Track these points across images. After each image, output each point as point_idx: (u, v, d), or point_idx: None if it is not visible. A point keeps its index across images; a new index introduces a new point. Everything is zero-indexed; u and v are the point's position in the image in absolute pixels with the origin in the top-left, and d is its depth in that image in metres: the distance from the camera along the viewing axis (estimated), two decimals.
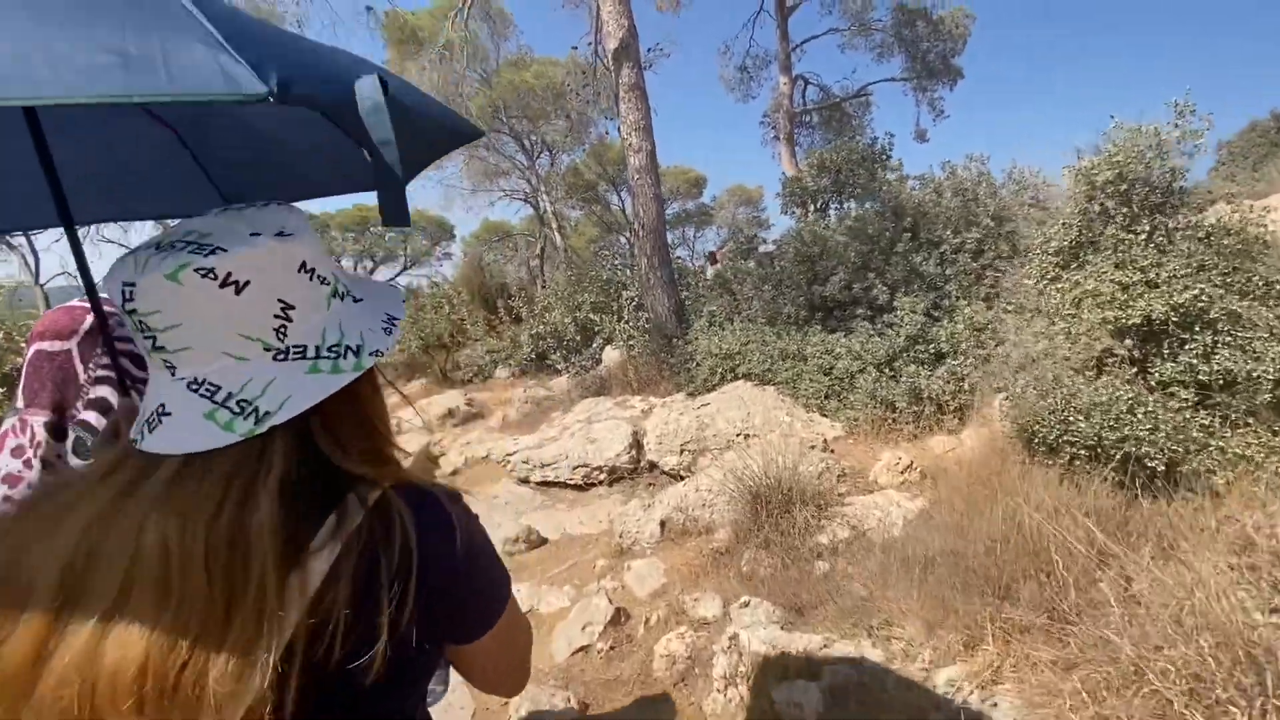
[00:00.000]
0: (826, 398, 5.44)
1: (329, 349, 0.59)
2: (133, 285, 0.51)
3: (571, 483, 5.30)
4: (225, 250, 0.52)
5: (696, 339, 6.46)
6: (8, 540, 0.49)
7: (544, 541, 4.52)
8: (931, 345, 5.42)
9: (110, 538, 0.47)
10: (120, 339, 1.00)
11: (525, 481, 5.58)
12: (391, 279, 34.19)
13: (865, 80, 18.49)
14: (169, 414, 0.53)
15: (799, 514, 3.62)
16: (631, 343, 7.97)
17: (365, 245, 33.60)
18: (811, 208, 12.02)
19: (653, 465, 5.32)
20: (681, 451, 5.15)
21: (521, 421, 8.24)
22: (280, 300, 0.56)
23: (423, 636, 0.63)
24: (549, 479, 5.41)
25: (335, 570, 0.55)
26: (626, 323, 8.44)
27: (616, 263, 9.85)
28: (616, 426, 5.56)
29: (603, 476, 5.27)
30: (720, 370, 5.82)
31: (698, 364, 6.06)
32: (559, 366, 9.75)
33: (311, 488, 0.58)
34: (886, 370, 5.37)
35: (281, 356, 0.56)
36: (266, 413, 0.53)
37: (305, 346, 0.58)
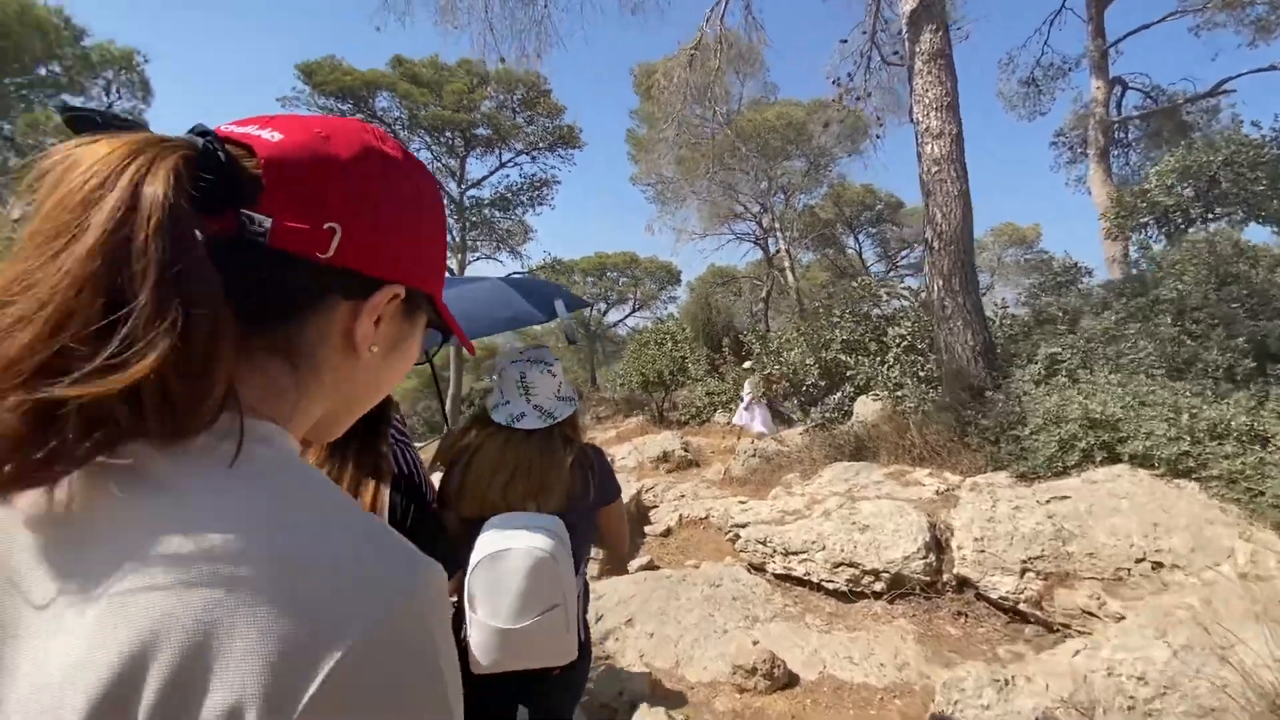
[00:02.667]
0: None
1: (564, 397, 1.53)
2: (524, 373, 1.48)
3: (830, 586, 3.63)
4: (553, 364, 1.53)
5: (1028, 393, 4.34)
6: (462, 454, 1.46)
7: (793, 681, 2.92)
8: None
9: (508, 454, 1.42)
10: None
11: (759, 569, 4.04)
12: (621, 320, 35.90)
13: (1220, 74, 13.84)
14: (524, 415, 1.44)
15: None
16: (901, 394, 6.04)
17: (601, 289, 36.01)
18: (1158, 230, 8.75)
19: (963, 583, 3.39)
20: (1024, 572, 3.15)
21: (747, 478, 6.75)
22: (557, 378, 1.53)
23: (595, 497, 1.50)
24: (794, 573, 3.80)
25: (573, 467, 1.45)
26: (892, 367, 6.51)
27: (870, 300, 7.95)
28: (900, 513, 3.75)
29: (879, 586, 3.50)
30: (1081, 445, 3.66)
31: (1033, 432, 3.97)
32: (792, 416, 8.09)
33: (565, 441, 1.48)
34: None
35: (559, 397, 1.52)
36: (554, 416, 1.47)
37: (562, 396, 1.53)
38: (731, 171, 21.51)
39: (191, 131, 0.38)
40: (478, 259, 21.75)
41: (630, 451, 9.94)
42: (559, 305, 1.83)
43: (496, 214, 20.96)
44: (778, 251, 25.79)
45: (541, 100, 19.70)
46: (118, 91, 12.02)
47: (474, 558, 1.24)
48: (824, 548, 3.72)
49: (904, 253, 29.51)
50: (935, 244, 5.19)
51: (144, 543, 0.31)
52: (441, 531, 1.35)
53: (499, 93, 19.27)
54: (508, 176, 20.81)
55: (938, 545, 3.57)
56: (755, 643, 3.04)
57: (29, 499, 0.33)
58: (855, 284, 7.04)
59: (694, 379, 12.21)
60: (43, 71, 11.44)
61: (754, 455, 6.99)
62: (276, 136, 0.39)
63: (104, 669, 0.29)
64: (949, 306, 5.08)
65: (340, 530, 0.35)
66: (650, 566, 4.66)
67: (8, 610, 0.33)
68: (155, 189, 0.33)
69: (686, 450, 9.04)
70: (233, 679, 0.29)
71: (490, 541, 1.24)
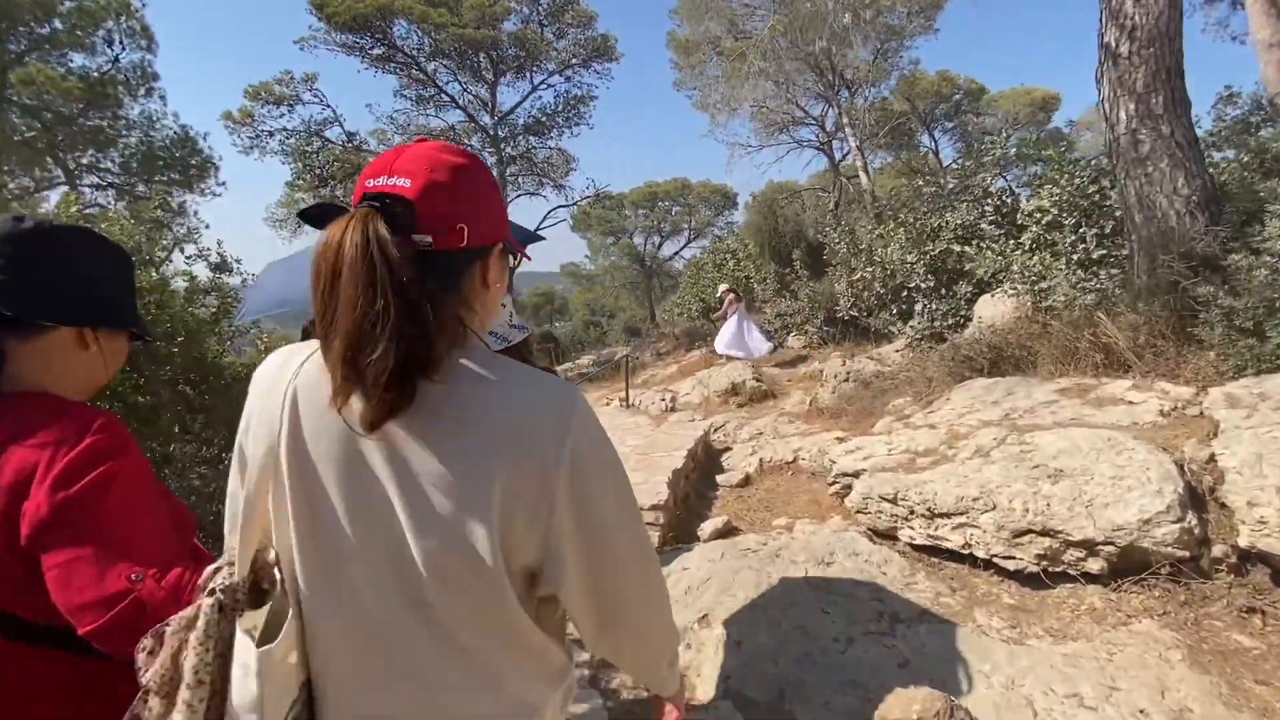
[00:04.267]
0: None
1: (515, 325, 1.61)
2: None
3: (1009, 565, 2.37)
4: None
5: None
6: None
7: None
8: None
9: None
10: None
11: (886, 537, 2.83)
12: (676, 252, 34.17)
13: None
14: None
15: None
16: (1046, 286, 4.50)
17: (654, 220, 34.24)
18: None
19: (1252, 558, 2.06)
20: None
21: (840, 408, 5.45)
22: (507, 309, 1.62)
23: None
24: (946, 544, 2.56)
25: None
26: (1030, 253, 4.92)
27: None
28: (1114, 448, 2.41)
29: (1096, 566, 2.21)
30: None
31: None
32: (891, 330, 6.63)
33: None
34: None
35: (511, 325, 1.61)
36: (508, 340, 1.59)
37: (514, 324, 1.62)
38: (786, 69, 18.99)
39: (365, 200, 0.63)
40: (519, 195, 20.55)
41: (694, 386, 8.77)
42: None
43: (533, 142, 19.50)
44: (844, 156, 23.17)
45: (570, 7, 17.74)
46: (120, 43, 11.30)
47: None
48: (993, 506, 2.44)
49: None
50: (1124, 47, 3.48)
51: (474, 396, 0.64)
52: None
53: (523, 3, 17.44)
54: (540, 99, 19.20)
55: (1193, 498, 2.22)
56: (904, 655, 1.86)
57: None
58: (985, 140, 5.36)
59: (762, 300, 10.76)
60: (45, 30, 10.81)
61: (846, 379, 5.65)
62: (407, 183, 0.64)
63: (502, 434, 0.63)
64: (1146, 142, 3.45)
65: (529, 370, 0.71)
66: (728, 531, 3.55)
67: (399, 453, 0.62)
68: (377, 230, 0.59)
69: (759, 379, 7.77)
70: (549, 425, 0.64)
71: None
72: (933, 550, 2.63)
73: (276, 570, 0.66)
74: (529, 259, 1.28)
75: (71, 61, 10.94)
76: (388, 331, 0.57)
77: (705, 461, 4.77)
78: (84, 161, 11.55)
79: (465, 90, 18.69)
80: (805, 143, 23.32)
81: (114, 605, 0.67)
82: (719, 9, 18.31)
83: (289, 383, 0.65)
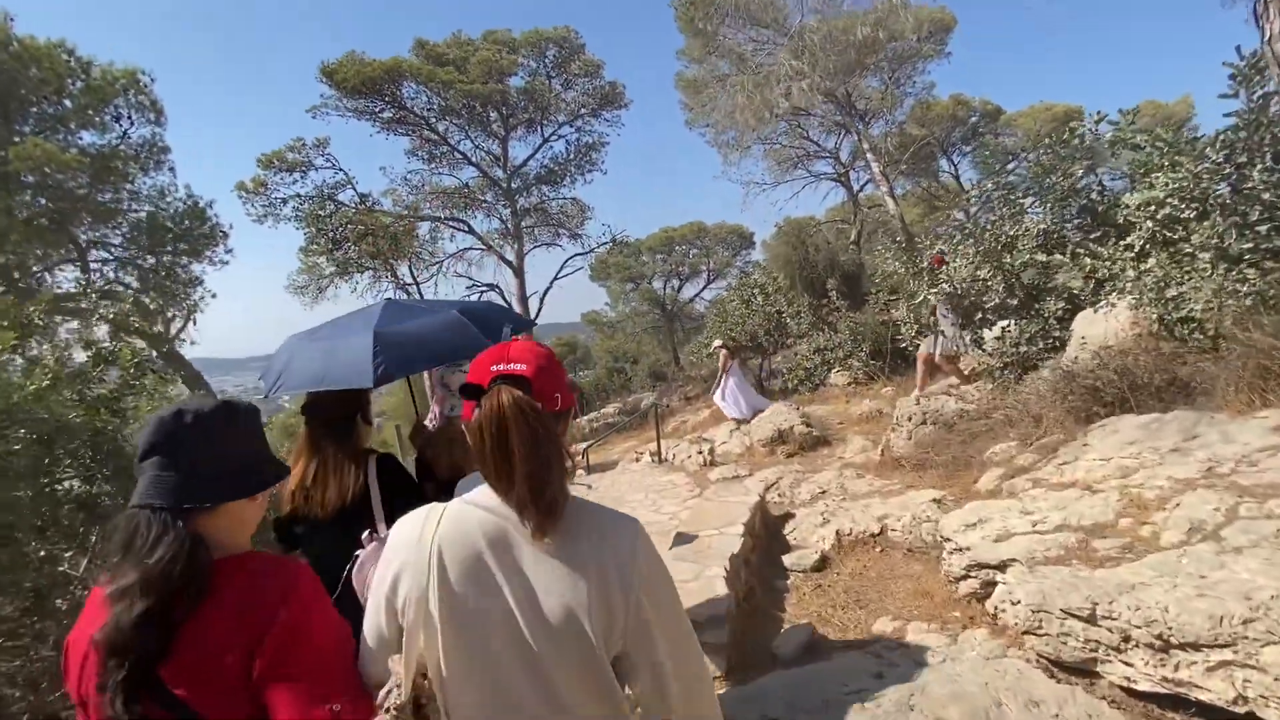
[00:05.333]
0: None
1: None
2: (453, 375, 2.36)
3: None
4: (465, 365, 1.94)
5: None
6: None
7: None
8: None
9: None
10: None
11: (1079, 672, 1.87)
12: (697, 294, 33.64)
13: None
14: (455, 407, 2.30)
15: None
16: (1176, 294, 3.58)
17: (671, 264, 33.90)
18: None
19: None
20: None
21: (924, 459, 4.48)
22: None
23: None
24: (1200, 693, 1.60)
25: None
26: (1145, 255, 4.01)
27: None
28: None
29: None
30: None
31: None
32: (964, 353, 5.67)
33: None
34: None
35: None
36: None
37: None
38: (800, 101, 18.63)
39: (495, 380, 0.87)
40: (536, 247, 20.23)
41: (731, 433, 7.83)
42: (506, 331, 2.16)
43: (546, 192, 19.28)
44: (862, 186, 22.58)
45: (576, 57, 17.75)
46: (129, 118, 11.26)
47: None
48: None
49: (1011, 165, 25.17)
50: None
51: (581, 523, 0.89)
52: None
53: (529, 58, 17.49)
54: (551, 149, 19.06)
55: None
56: None
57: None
58: (1066, 132, 4.52)
59: (796, 336, 9.88)
60: (54, 110, 10.80)
61: (924, 421, 4.70)
62: (524, 367, 0.88)
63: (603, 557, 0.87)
64: None
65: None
66: (813, 646, 2.59)
67: (523, 558, 0.86)
68: (524, 399, 0.84)
69: (808, 424, 6.82)
70: (626, 544, 0.89)
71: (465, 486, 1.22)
72: (1173, 702, 1.67)
73: (432, 686, 0.83)
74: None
75: (81, 139, 10.91)
76: (554, 471, 0.85)
77: (765, 537, 3.83)
78: (93, 237, 11.39)
79: (477, 147, 18.64)
80: (822, 175, 22.86)
81: None
82: (725, 47, 18.17)
83: (432, 540, 0.85)
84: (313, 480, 1.73)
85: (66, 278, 11.60)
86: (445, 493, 1.23)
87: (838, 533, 3.63)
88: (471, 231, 19.20)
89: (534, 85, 17.53)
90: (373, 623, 0.88)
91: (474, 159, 18.66)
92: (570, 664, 0.81)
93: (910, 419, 4.76)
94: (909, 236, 17.15)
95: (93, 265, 11.73)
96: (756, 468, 6.23)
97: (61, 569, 2.27)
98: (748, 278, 11.63)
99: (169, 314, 12.50)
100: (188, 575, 0.83)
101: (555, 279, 20.08)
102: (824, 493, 4.78)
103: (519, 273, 18.37)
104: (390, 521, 1.38)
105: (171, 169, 12.18)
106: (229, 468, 0.94)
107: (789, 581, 3.32)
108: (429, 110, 17.17)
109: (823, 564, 3.43)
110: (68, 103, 10.86)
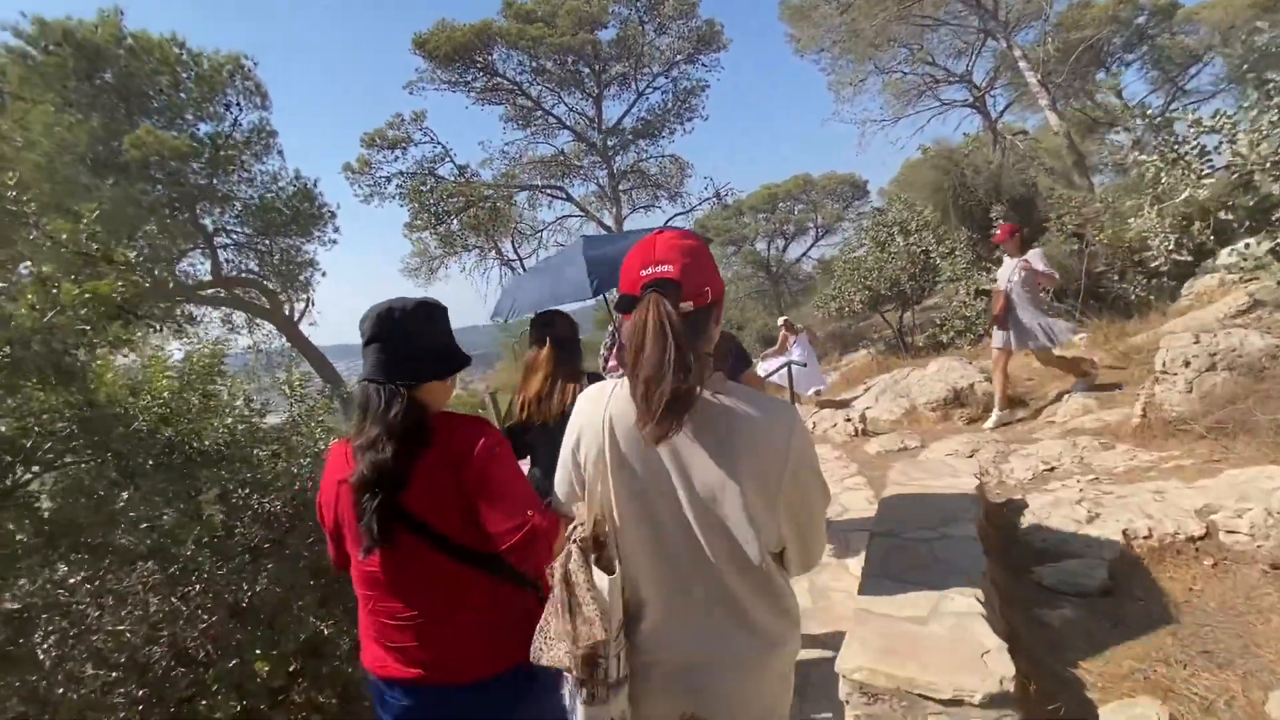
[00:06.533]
0: None
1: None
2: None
3: None
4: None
5: None
6: None
7: None
8: None
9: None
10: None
11: None
12: (804, 253, 31.33)
13: None
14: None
15: None
16: None
17: (775, 223, 31.75)
18: None
19: None
20: None
21: (1224, 421, 3.02)
22: None
23: None
24: None
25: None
26: None
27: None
28: None
29: None
30: None
31: None
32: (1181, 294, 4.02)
33: None
34: None
35: None
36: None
37: None
38: (920, 21, 16.04)
39: (646, 288, 0.95)
40: (634, 211, 19.32)
41: (881, 395, 6.48)
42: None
43: (645, 147, 18.19)
44: (1002, 112, 19.51)
45: None
46: (239, 104, 11.51)
47: None
48: None
49: (1193, 69, 20.58)
50: None
51: (731, 414, 0.96)
52: None
53: (619, 3, 16.31)
54: (648, 100, 17.88)
55: None
56: None
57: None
58: None
59: (950, 279, 8.22)
60: (168, 102, 11.19)
61: (1212, 366, 3.22)
62: (670, 268, 0.94)
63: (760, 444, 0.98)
64: None
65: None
66: None
67: (681, 452, 0.96)
68: (665, 307, 0.92)
69: (989, 379, 5.38)
70: (780, 433, 0.97)
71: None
72: None
73: (608, 528, 1.00)
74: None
75: (198, 129, 11.30)
76: (668, 375, 0.89)
77: (997, 538, 2.64)
78: (214, 223, 11.89)
79: (571, 110, 17.89)
80: (953, 103, 19.94)
81: (521, 529, 1.11)
82: None
83: (605, 409, 1.00)
84: (546, 392, 1.98)
85: (197, 267, 12.19)
86: None
87: (1125, 534, 2.37)
88: (569, 198, 18.61)
89: (626, 33, 16.37)
90: (562, 475, 1.09)
91: (568, 122, 17.94)
92: (714, 530, 0.96)
93: (1188, 364, 3.29)
94: (1079, 157, 14.31)
95: (219, 249, 12.22)
96: (928, 437, 4.93)
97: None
98: (882, 215, 9.94)
99: (289, 296, 12.89)
100: (417, 425, 1.17)
101: None
102: (1052, 470, 3.45)
103: None
104: None
105: (280, 152, 12.44)
106: (428, 353, 1.24)
107: (1064, 612, 2.14)
108: (521, 74, 16.58)
109: (1111, 584, 2.21)
110: (183, 94, 11.22)
